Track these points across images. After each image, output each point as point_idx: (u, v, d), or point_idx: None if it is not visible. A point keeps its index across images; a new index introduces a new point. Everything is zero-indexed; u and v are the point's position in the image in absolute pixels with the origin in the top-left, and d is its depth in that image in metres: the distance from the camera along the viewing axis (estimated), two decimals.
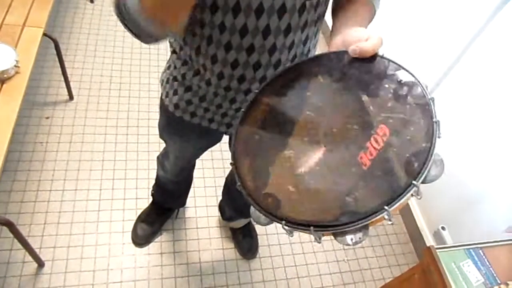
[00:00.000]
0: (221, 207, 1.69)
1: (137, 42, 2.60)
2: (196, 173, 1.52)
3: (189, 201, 1.73)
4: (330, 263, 1.76)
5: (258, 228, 1.77)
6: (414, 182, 0.46)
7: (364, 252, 1.83)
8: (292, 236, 0.52)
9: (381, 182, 0.48)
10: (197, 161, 1.42)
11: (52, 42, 1.76)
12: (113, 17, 2.54)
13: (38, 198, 1.67)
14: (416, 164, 0.47)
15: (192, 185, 1.61)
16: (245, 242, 1.70)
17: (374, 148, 0.51)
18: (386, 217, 0.46)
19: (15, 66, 1.40)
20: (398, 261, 1.84)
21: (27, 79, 1.43)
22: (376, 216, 0.46)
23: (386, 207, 0.45)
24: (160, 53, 2.41)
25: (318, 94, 0.61)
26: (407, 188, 0.46)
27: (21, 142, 1.82)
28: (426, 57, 1.79)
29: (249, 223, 1.71)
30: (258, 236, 1.75)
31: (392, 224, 1.96)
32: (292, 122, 0.60)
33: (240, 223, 1.66)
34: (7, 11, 1.63)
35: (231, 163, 0.59)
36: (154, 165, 1.49)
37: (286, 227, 0.50)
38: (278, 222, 0.51)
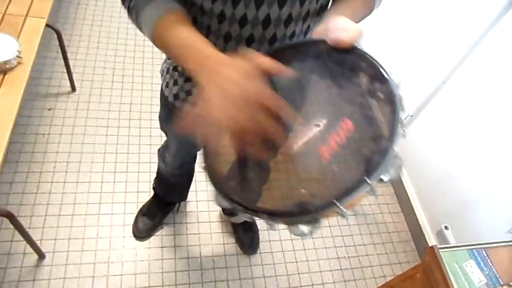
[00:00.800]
0: None
1: (140, 34, 2.57)
2: (197, 167, 1.52)
3: (191, 195, 1.72)
4: (331, 259, 1.76)
5: (259, 224, 1.76)
6: (367, 179, 0.45)
7: (365, 249, 1.83)
8: (251, 221, 0.53)
9: (337, 176, 0.48)
10: (198, 155, 1.41)
11: (55, 33, 1.74)
12: (116, 9, 2.53)
13: (40, 190, 1.66)
14: (373, 162, 0.46)
15: (194, 179, 1.60)
16: (246, 237, 1.69)
17: (336, 142, 0.50)
18: (338, 211, 0.46)
19: (17, 56, 1.38)
20: (400, 259, 1.84)
21: (29, 70, 1.42)
22: (326, 210, 0.46)
23: (336, 202, 0.45)
24: None
25: (289, 82, 0.60)
26: (359, 185, 0.45)
27: (23, 133, 1.81)
28: (427, 59, 1.77)
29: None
30: (259, 232, 1.74)
31: (393, 222, 1.95)
32: None
33: (241, 218, 1.66)
34: (10, 1, 1.62)
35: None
36: (156, 158, 1.48)
37: (241, 211, 0.52)
38: (235, 207, 0.53)
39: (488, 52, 1.50)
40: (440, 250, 1.14)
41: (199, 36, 0.61)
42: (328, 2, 0.78)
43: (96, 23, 2.42)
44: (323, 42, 0.59)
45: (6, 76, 1.37)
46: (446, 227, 1.62)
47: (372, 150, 0.48)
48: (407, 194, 1.94)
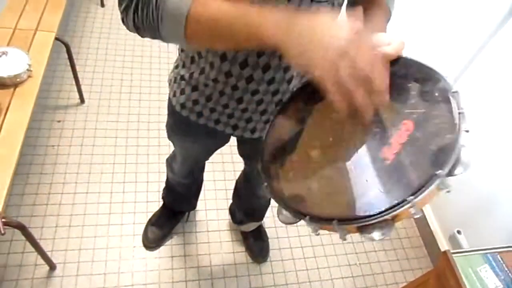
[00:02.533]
0: (231, 210, 1.68)
1: (148, 45, 2.59)
2: (206, 176, 1.52)
3: (200, 204, 1.72)
4: (342, 267, 1.74)
5: (269, 232, 1.76)
6: (437, 173, 0.45)
7: (376, 256, 1.81)
8: (317, 235, 0.52)
9: (405, 175, 0.48)
10: (207, 164, 1.42)
11: (63, 46, 1.77)
12: (122, 25, 2.56)
13: (50, 201, 1.68)
14: (441, 156, 0.46)
15: (203, 188, 1.60)
16: (256, 246, 1.68)
17: (398, 142, 0.51)
18: (412, 210, 0.45)
19: (27, 70, 1.41)
20: (412, 265, 1.81)
21: (40, 83, 1.45)
22: (400, 208, 0.45)
23: (409, 198, 0.45)
24: (170, 56, 2.42)
25: None
26: (430, 180, 0.45)
27: (33, 145, 1.83)
28: (434, 63, 1.77)
29: (260, 226, 1.70)
30: (269, 240, 1.73)
31: (404, 228, 1.93)
32: (320, 123, 0.62)
33: (250, 226, 1.65)
34: (20, 16, 1.65)
35: (258, 164, 0.61)
36: (164, 168, 1.49)
37: (311, 223, 0.51)
38: (302, 218, 0.52)
39: (496, 55, 1.49)
40: (453, 255, 1.12)
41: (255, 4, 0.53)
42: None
43: (104, 36, 2.45)
44: None
45: (17, 89, 1.39)
46: (459, 232, 1.60)
47: (438, 145, 0.48)
48: None
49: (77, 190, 1.73)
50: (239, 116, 0.90)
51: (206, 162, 1.37)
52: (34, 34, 1.60)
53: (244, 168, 1.40)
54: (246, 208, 1.58)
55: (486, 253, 1.16)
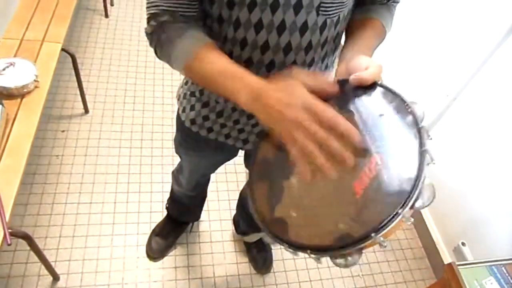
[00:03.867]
0: (235, 221, 1.69)
1: (151, 56, 2.60)
2: (210, 186, 1.52)
3: (203, 215, 1.72)
4: (345, 278, 1.74)
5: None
6: (399, 211, 0.48)
7: (379, 267, 1.81)
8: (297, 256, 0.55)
9: (371, 209, 0.51)
10: (211, 175, 1.42)
11: (69, 56, 1.79)
12: (127, 32, 2.59)
13: (54, 211, 1.68)
14: (404, 193, 0.49)
15: (206, 199, 1.60)
16: (260, 257, 1.68)
17: (367, 177, 0.53)
18: (379, 242, 0.48)
19: (34, 81, 1.42)
20: (414, 276, 1.81)
21: (46, 93, 1.46)
22: (366, 241, 0.49)
23: (373, 235, 0.48)
24: None
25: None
26: (393, 217, 0.48)
27: (37, 155, 1.83)
28: (437, 76, 1.79)
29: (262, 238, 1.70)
30: (273, 250, 1.73)
31: (407, 239, 1.93)
32: None
33: (254, 237, 1.65)
34: (27, 28, 1.67)
35: (246, 185, 0.64)
36: (168, 178, 1.50)
37: (290, 250, 0.56)
38: (281, 245, 0.57)
39: (499, 68, 1.51)
40: (458, 267, 1.13)
41: (239, 67, 0.63)
42: (343, 30, 0.80)
43: (108, 46, 2.47)
44: (346, 81, 0.62)
45: (24, 99, 1.40)
46: (463, 243, 1.60)
47: (401, 181, 0.50)
48: (420, 210, 1.93)
49: (80, 200, 1.74)
50: (249, 130, 0.91)
51: (211, 174, 1.38)
52: (41, 45, 1.62)
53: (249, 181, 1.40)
54: (250, 219, 1.58)
55: (491, 265, 1.16)
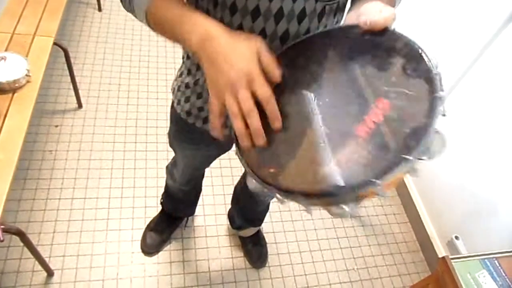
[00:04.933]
0: (230, 216, 1.69)
1: (145, 50, 2.58)
2: (204, 181, 1.52)
3: (198, 209, 1.72)
4: (340, 272, 1.75)
5: (267, 237, 1.76)
6: (406, 156, 0.45)
7: (374, 260, 1.82)
8: (282, 204, 0.52)
9: (375, 155, 0.48)
10: (206, 169, 1.42)
11: (61, 50, 1.77)
12: (120, 25, 2.56)
13: (48, 207, 1.67)
14: (412, 139, 0.46)
15: (201, 193, 1.60)
16: (255, 251, 1.68)
17: (372, 121, 0.50)
18: (377, 191, 0.45)
19: (26, 75, 1.40)
20: (409, 270, 1.82)
21: (38, 88, 1.44)
22: (364, 189, 0.46)
23: (373, 180, 0.45)
24: (168, 61, 2.42)
25: (325, 67, 0.61)
26: (398, 164, 0.45)
27: (30, 150, 1.82)
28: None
29: (259, 231, 1.70)
30: (268, 245, 1.73)
31: (401, 232, 1.95)
32: (297, 95, 0.60)
33: (249, 231, 1.65)
34: (18, 21, 1.65)
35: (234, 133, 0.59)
36: (162, 173, 1.49)
37: (279, 196, 0.53)
38: (268, 188, 0.53)
39: (494, 62, 1.51)
40: (452, 260, 1.13)
41: (200, 12, 0.61)
42: (343, 17, 0.78)
43: (101, 40, 2.45)
44: (356, 27, 0.59)
45: (16, 94, 1.39)
46: (456, 237, 1.61)
47: (410, 128, 0.47)
48: (414, 204, 1.94)
49: (75, 195, 1.73)
50: None
51: (205, 169, 1.37)
52: (33, 39, 1.60)
53: (244, 173, 1.40)
54: (245, 213, 1.58)
55: (484, 258, 1.17)
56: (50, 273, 1.49)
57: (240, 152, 0.59)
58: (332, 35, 0.65)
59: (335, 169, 0.48)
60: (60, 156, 1.84)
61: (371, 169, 0.46)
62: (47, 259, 1.47)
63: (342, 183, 0.47)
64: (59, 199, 1.70)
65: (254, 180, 0.55)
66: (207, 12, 0.71)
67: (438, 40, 1.78)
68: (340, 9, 0.74)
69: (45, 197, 1.69)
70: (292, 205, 1.88)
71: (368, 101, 0.52)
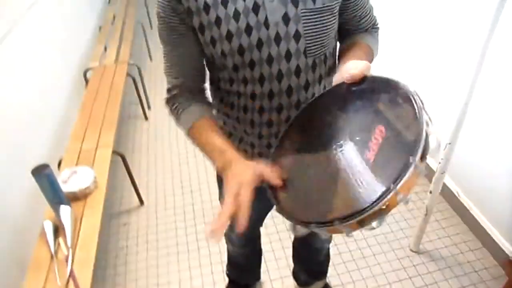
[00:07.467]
0: (295, 274, 1.70)
1: (190, 146, 2.83)
2: (264, 247, 1.58)
3: (264, 276, 1.76)
4: None
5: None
6: (410, 160, 0.55)
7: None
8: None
9: (385, 169, 0.58)
10: (264, 236, 1.49)
11: (119, 157, 2.04)
12: (165, 129, 2.89)
13: None
14: (411, 144, 0.57)
15: (264, 260, 1.65)
16: None
17: (375, 144, 0.62)
18: (399, 198, 0.55)
19: (94, 182, 1.64)
20: None
21: (105, 191, 1.66)
22: (387, 196, 0.54)
23: (391, 186, 0.54)
24: None
25: (331, 119, 0.76)
26: (407, 167, 0.54)
27: (104, 249, 2.01)
28: (446, 84, 1.83)
29: (326, 285, 1.69)
30: None
31: (477, 259, 1.83)
32: (317, 148, 0.74)
33: (316, 286, 1.65)
34: (83, 140, 1.96)
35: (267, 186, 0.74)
36: (224, 247, 1.58)
37: (317, 228, 0.62)
38: (310, 227, 0.63)
39: (498, 62, 1.53)
40: None
41: (224, 141, 0.82)
42: (334, 64, 0.94)
43: (151, 144, 2.77)
44: (343, 83, 0.75)
45: (87, 199, 1.60)
46: None
47: (407, 137, 0.59)
48: (482, 226, 1.84)
49: (148, 282, 1.84)
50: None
51: (263, 234, 1.45)
52: (95, 151, 1.88)
53: None
54: (308, 268, 1.60)
55: None
56: None
57: (279, 207, 0.73)
58: (329, 95, 0.81)
59: (360, 191, 0.59)
60: (131, 251, 2.01)
61: (386, 180, 0.56)
62: None
63: (368, 200, 0.56)
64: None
65: (295, 226, 0.67)
66: (228, 87, 0.92)
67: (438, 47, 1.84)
68: (327, 58, 0.90)
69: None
70: (355, 253, 1.87)
71: (368, 131, 0.65)
